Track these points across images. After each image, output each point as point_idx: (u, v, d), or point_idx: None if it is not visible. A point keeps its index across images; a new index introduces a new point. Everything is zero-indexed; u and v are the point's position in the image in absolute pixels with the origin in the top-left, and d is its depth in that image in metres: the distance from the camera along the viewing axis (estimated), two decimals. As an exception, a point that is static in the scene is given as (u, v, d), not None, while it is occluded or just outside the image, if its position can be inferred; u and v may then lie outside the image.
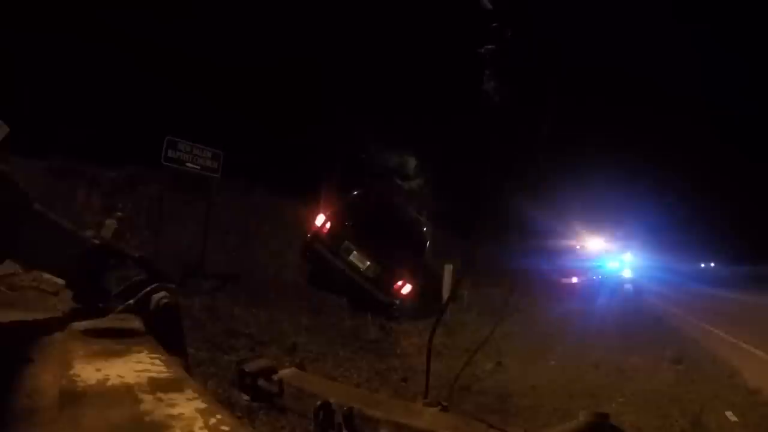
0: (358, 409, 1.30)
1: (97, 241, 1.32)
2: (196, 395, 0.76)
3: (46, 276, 1.40)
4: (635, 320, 12.80)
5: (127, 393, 0.74)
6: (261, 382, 1.50)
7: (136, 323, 1.10)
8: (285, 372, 1.57)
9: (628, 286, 23.21)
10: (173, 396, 0.75)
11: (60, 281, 1.33)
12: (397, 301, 9.01)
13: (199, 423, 0.67)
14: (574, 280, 20.35)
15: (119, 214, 7.72)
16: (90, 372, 0.80)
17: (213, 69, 11.28)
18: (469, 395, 5.93)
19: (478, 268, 12.58)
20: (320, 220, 8.98)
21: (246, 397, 1.57)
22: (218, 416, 0.70)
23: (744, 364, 8.00)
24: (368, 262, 8.83)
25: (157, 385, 0.78)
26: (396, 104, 15.09)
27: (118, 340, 0.97)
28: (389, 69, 15.21)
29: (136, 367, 0.85)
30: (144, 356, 0.91)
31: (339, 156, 13.30)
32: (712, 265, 59.75)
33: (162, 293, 1.25)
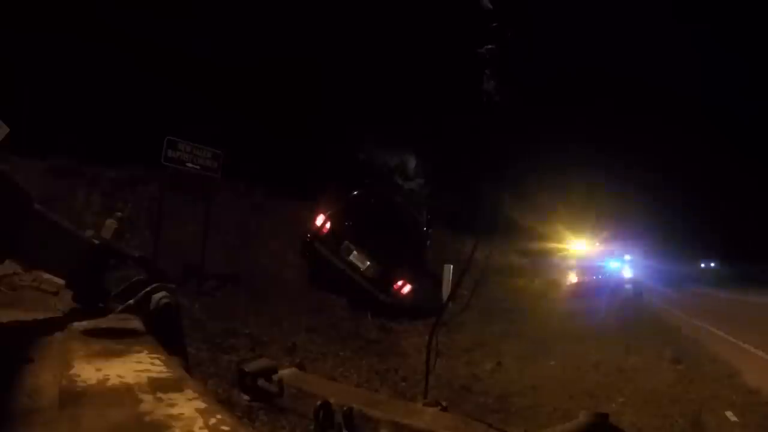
0: (358, 409, 1.30)
1: (97, 241, 1.32)
2: (196, 395, 0.76)
3: (46, 276, 1.40)
4: (635, 320, 12.78)
5: (127, 393, 0.74)
6: (261, 382, 1.50)
7: (136, 323, 1.11)
8: (285, 372, 1.57)
9: (628, 286, 23.13)
10: (173, 396, 0.75)
11: (60, 281, 1.33)
12: (397, 301, 9.00)
13: (199, 423, 0.67)
14: (574, 280, 20.33)
15: (119, 214, 7.70)
16: (90, 372, 0.80)
17: (213, 69, 11.28)
18: (469, 395, 5.93)
19: (478, 268, 12.57)
20: (320, 220, 8.98)
21: (246, 397, 1.57)
22: (218, 416, 0.70)
23: (744, 364, 7.99)
24: (368, 262, 8.82)
25: (157, 385, 0.78)
26: (396, 104, 15.09)
27: (118, 340, 0.97)
28: (389, 69, 15.22)
29: (136, 367, 0.85)
30: (144, 356, 0.91)
31: (339, 156, 13.30)
32: (713, 264, 59.65)
33: (162, 293, 1.25)
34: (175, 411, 0.70)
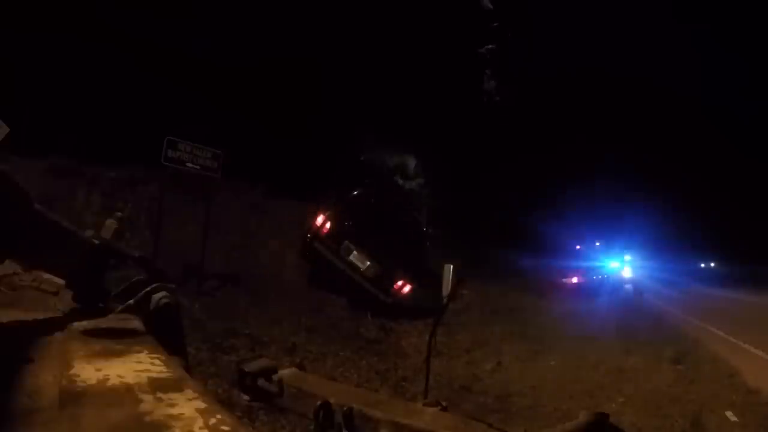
0: (358, 409, 1.30)
1: (97, 241, 1.32)
2: (196, 395, 0.76)
3: (46, 276, 1.40)
4: (635, 320, 12.80)
5: (127, 393, 0.75)
6: (261, 382, 1.50)
7: (136, 323, 1.11)
8: (285, 372, 1.57)
9: (628, 286, 23.22)
10: (173, 396, 0.75)
11: (60, 281, 1.33)
12: (397, 301, 9.00)
13: (199, 423, 0.67)
14: (574, 280, 20.34)
15: (119, 214, 7.70)
16: (90, 372, 0.80)
17: (213, 69, 11.27)
18: (469, 395, 5.93)
19: (478, 268, 12.58)
20: (320, 220, 8.98)
21: (246, 397, 1.57)
22: (218, 416, 0.70)
23: (744, 364, 8.00)
24: (368, 262, 8.83)
25: (157, 385, 0.78)
26: (396, 104, 15.08)
27: (118, 340, 0.97)
28: (389, 69, 15.21)
29: (136, 367, 0.85)
30: (144, 356, 0.91)
31: (339, 156, 13.30)
32: (712, 265, 59.69)
33: (162, 293, 1.25)
34: (175, 411, 0.70)
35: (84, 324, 1.05)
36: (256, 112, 11.86)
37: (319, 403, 1.33)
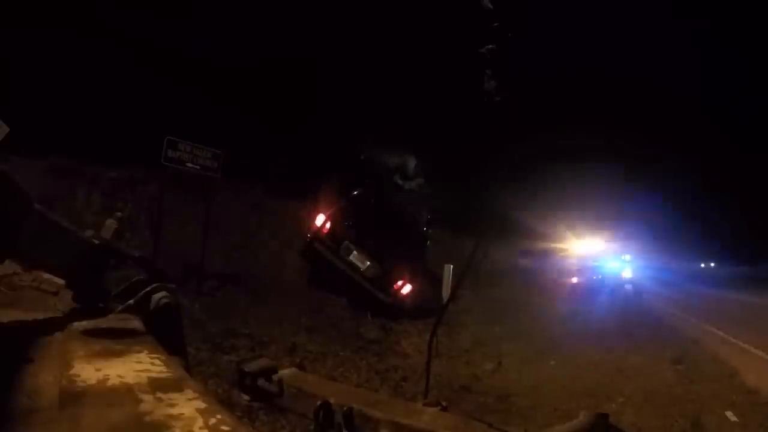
0: (358, 409, 1.30)
1: (97, 241, 1.32)
2: (196, 395, 0.76)
3: (46, 276, 1.40)
4: (635, 320, 12.79)
5: (127, 393, 0.75)
6: (261, 382, 1.50)
7: (136, 323, 1.11)
8: (285, 372, 1.57)
9: (628, 286, 23.20)
10: (173, 396, 0.75)
11: (60, 281, 1.33)
12: (396, 301, 9.00)
13: (199, 423, 0.67)
14: (574, 280, 20.32)
15: (119, 214, 7.70)
16: (90, 372, 0.80)
17: (213, 69, 11.27)
18: (469, 395, 5.93)
19: (479, 268, 12.57)
20: (320, 220, 8.98)
21: (246, 397, 1.58)
22: (218, 416, 0.70)
23: (744, 364, 8.00)
24: (368, 262, 8.83)
25: (157, 385, 0.78)
26: (396, 104, 15.08)
27: (118, 340, 0.97)
28: (389, 69, 15.21)
29: (136, 367, 0.85)
30: (144, 356, 0.91)
31: (339, 156, 13.29)
32: (713, 265, 59.69)
33: (162, 293, 1.25)
34: (175, 411, 0.70)
35: (84, 324, 1.05)
36: (256, 112, 11.86)
37: (319, 403, 1.33)
